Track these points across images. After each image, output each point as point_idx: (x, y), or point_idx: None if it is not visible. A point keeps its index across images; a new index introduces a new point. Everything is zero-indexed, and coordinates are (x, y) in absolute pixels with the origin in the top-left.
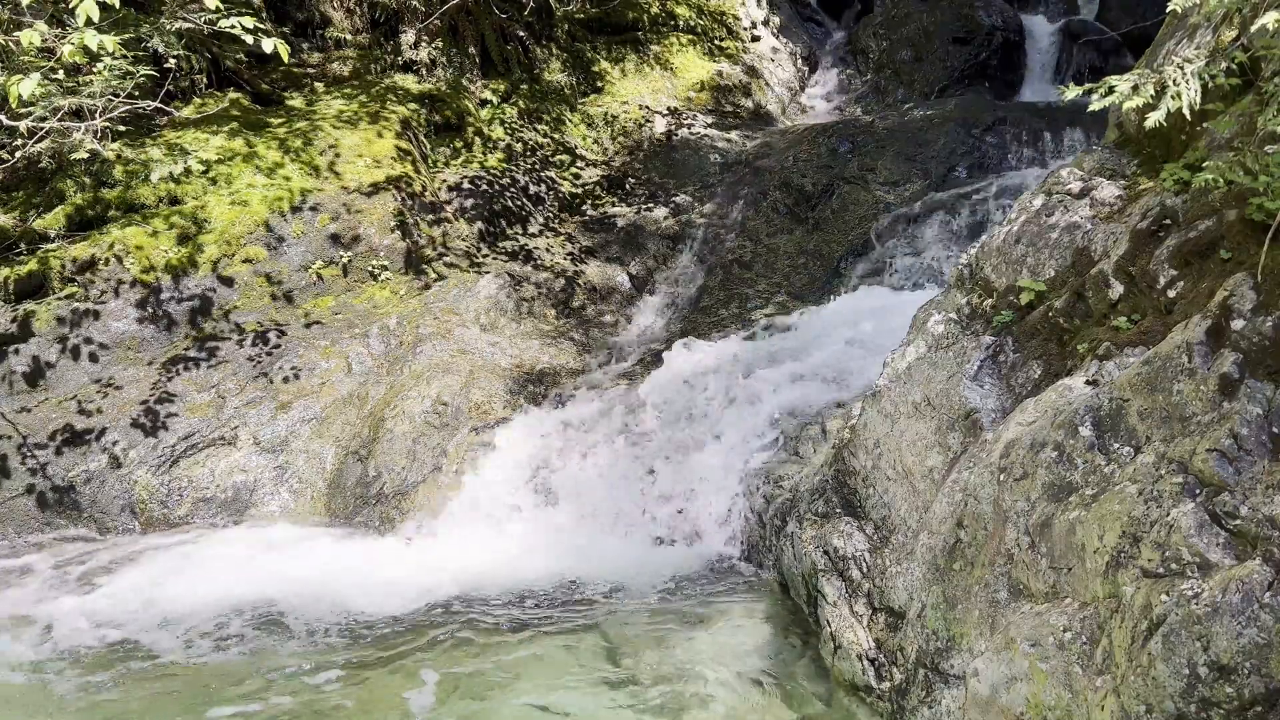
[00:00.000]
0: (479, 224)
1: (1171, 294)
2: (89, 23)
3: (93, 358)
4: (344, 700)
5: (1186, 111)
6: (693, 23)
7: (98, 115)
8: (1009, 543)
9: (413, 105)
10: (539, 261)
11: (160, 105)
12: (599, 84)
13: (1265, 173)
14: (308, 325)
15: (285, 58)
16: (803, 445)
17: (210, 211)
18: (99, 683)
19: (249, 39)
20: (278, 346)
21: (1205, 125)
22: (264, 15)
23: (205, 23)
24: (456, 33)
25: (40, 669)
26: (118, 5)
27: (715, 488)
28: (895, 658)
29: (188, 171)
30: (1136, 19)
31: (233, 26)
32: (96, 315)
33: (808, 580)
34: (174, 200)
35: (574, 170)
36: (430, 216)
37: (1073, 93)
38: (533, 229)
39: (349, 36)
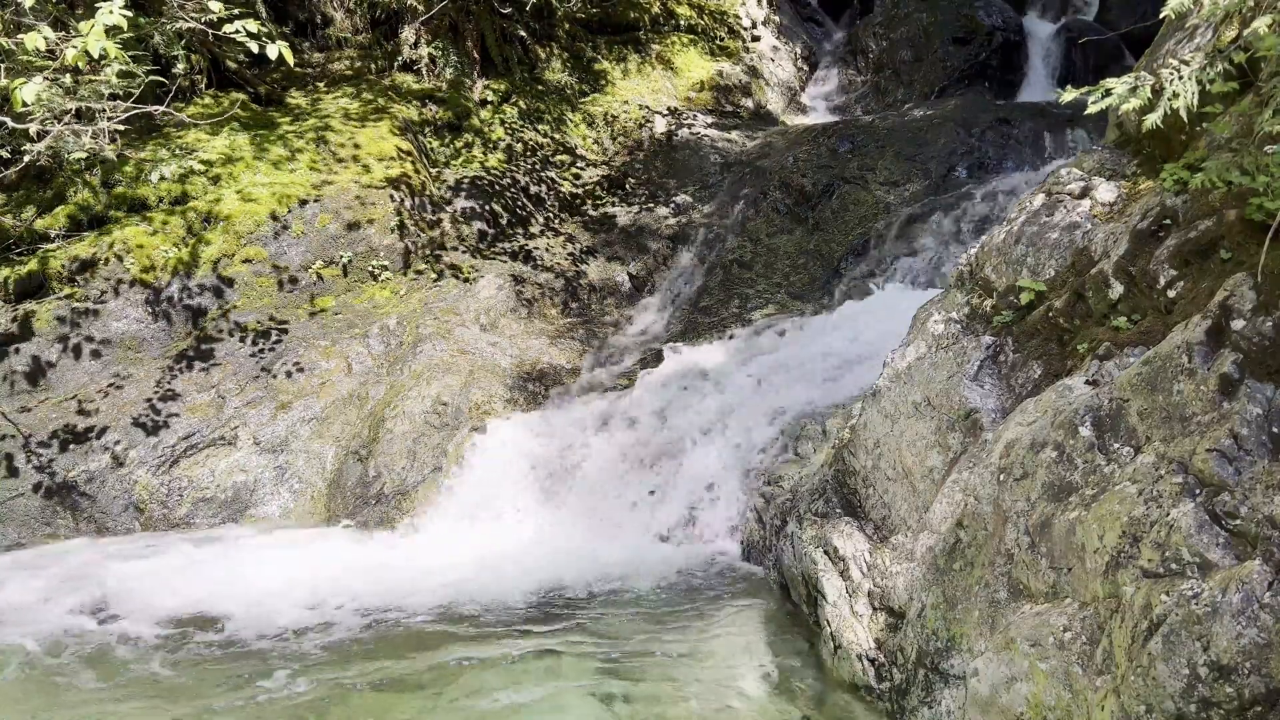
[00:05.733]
0: (479, 224)
1: (1171, 294)
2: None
3: (93, 357)
4: (336, 706)
5: (1183, 114)
6: (693, 22)
7: (101, 118)
8: (1009, 543)
9: (414, 105)
10: (539, 261)
11: (163, 110)
12: (600, 84)
13: (1264, 173)
14: (308, 325)
15: (291, 61)
16: (803, 445)
17: (211, 211)
18: None
19: (254, 46)
20: (278, 345)
21: (1205, 126)
22: (265, 16)
23: (207, 25)
24: (457, 32)
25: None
26: (125, 26)
27: (715, 487)
28: (895, 658)
29: (190, 171)
30: (1136, 19)
31: (236, 32)
32: (97, 315)
33: (808, 580)
34: (175, 200)
35: (574, 170)
36: (431, 216)
37: (1070, 95)
38: (533, 229)
39: (349, 36)
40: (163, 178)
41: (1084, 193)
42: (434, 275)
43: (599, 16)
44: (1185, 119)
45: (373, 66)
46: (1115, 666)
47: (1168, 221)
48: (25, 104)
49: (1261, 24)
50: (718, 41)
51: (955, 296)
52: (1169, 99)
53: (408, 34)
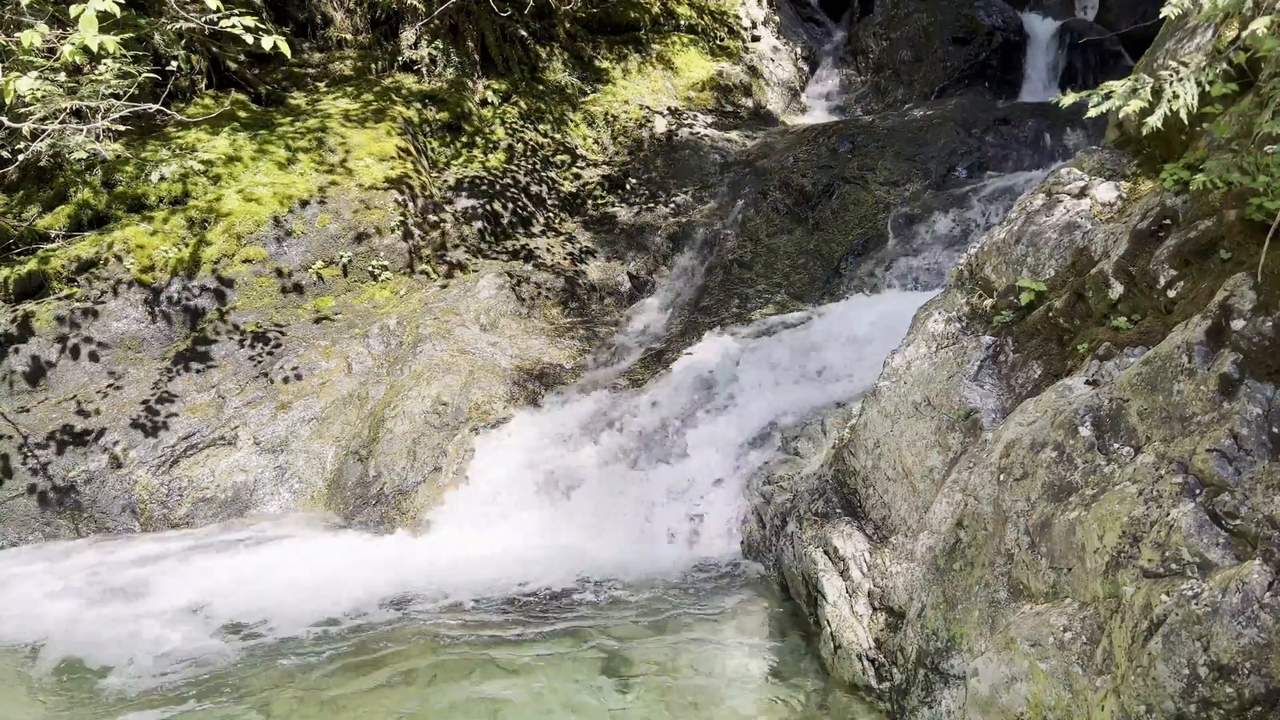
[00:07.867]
0: (479, 224)
1: (1171, 294)
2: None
3: (93, 358)
4: (333, 709)
5: (1184, 116)
6: (693, 22)
7: (99, 117)
8: (1009, 543)
9: (414, 105)
10: (539, 261)
11: (161, 109)
12: (600, 83)
13: (1264, 173)
14: (308, 325)
15: (288, 54)
16: (802, 445)
17: (211, 211)
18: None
19: (249, 38)
20: (278, 346)
21: (1205, 126)
22: (265, 16)
23: (206, 23)
24: (457, 32)
25: None
26: (118, 13)
27: (715, 488)
28: (895, 658)
29: (190, 171)
30: (1136, 19)
31: (233, 26)
32: (97, 315)
33: (808, 580)
34: (175, 200)
35: (575, 170)
36: (431, 216)
37: (1070, 99)
38: (534, 228)
39: (350, 36)
40: (163, 178)
41: (1084, 193)
42: (434, 275)
43: (599, 16)
44: (1185, 120)
45: (373, 67)
46: (1115, 666)
47: (1168, 221)
48: (20, 96)
49: (1261, 25)
50: (718, 41)
51: (955, 296)
52: (1169, 100)
53: (408, 34)
